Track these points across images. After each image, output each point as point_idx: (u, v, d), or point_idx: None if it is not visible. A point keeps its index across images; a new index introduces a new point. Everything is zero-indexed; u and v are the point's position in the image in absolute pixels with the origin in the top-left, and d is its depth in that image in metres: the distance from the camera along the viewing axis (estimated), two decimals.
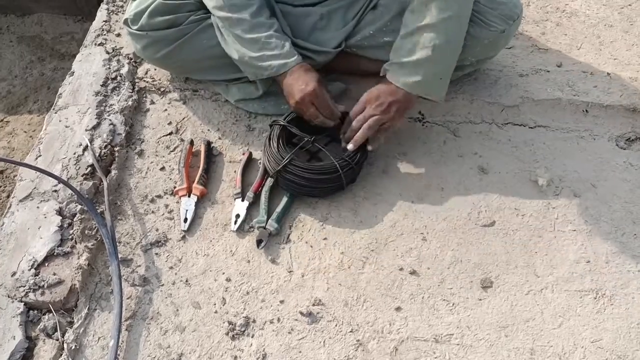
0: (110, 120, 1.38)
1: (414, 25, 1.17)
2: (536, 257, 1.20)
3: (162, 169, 1.33)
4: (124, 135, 1.36)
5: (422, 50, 1.17)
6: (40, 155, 1.33)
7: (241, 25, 1.22)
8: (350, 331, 1.09)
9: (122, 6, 1.68)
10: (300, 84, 1.21)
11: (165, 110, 1.44)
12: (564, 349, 1.07)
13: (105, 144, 1.33)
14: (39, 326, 1.08)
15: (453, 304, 1.13)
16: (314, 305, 1.12)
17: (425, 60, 1.18)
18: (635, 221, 1.25)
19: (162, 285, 1.15)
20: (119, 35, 1.60)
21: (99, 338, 1.07)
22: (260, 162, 1.32)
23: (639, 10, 1.72)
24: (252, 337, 1.08)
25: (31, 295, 1.10)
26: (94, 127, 1.37)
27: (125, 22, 1.36)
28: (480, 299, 1.14)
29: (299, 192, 1.25)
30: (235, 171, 1.32)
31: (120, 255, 1.17)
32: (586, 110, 1.44)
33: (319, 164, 1.25)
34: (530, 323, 1.11)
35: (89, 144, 1.32)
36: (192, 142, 1.35)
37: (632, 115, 1.43)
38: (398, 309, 1.12)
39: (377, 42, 1.30)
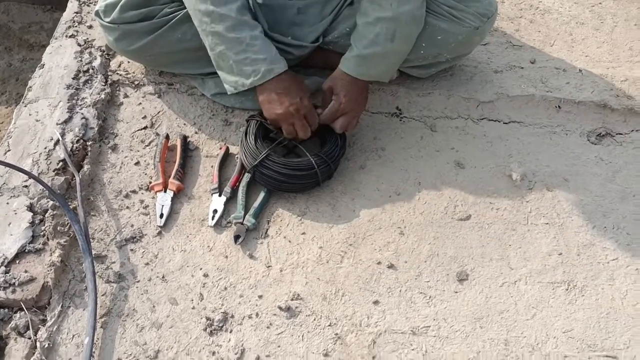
0: (82, 114, 1.35)
1: (374, 15, 1.17)
2: (510, 250, 1.22)
3: (137, 163, 1.31)
4: (96, 129, 1.33)
5: (384, 42, 1.19)
6: (9, 150, 1.29)
7: (225, 21, 1.14)
8: (329, 325, 1.10)
9: None
10: (292, 98, 1.18)
11: (140, 104, 1.42)
12: (536, 339, 1.10)
13: (77, 138, 1.30)
14: (10, 325, 1.05)
15: (430, 297, 1.15)
16: (292, 299, 1.12)
17: (388, 51, 1.21)
18: (605, 214, 1.29)
19: (138, 281, 1.13)
20: (90, 27, 1.56)
21: (73, 336, 1.05)
22: (237, 157, 1.31)
23: (608, 8, 1.76)
24: (230, 332, 1.08)
25: (1, 293, 1.07)
26: (66, 121, 1.33)
27: (97, 14, 1.32)
28: (456, 292, 1.16)
29: (275, 187, 1.25)
30: (212, 166, 1.31)
31: (94, 252, 1.14)
32: (559, 106, 1.47)
33: (295, 160, 1.25)
34: (504, 314, 1.13)
35: (60, 138, 1.29)
36: (167, 137, 1.33)
37: (603, 111, 1.47)
38: (376, 302, 1.13)
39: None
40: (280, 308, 1.11)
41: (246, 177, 1.27)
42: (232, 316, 1.09)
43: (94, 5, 1.61)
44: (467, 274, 1.18)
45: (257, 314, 1.10)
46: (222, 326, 1.08)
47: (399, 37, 1.20)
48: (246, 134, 1.26)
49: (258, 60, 1.15)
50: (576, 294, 1.17)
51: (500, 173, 1.34)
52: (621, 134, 1.44)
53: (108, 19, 1.29)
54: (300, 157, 1.26)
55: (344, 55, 1.24)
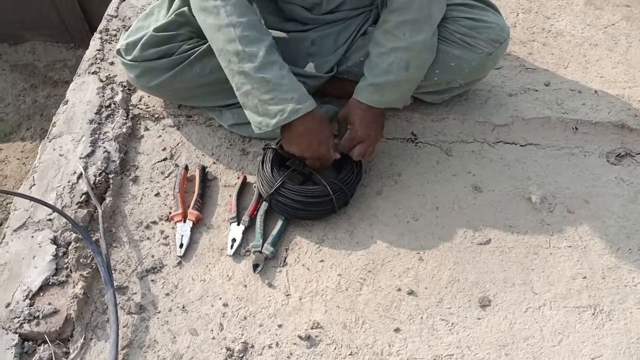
0: (104, 147, 1.39)
1: (389, 45, 1.20)
2: (533, 274, 1.20)
3: (157, 194, 1.33)
4: (118, 162, 1.37)
5: (398, 71, 1.20)
6: (34, 184, 1.32)
7: (252, 61, 1.12)
8: (350, 354, 1.08)
9: (115, 35, 1.70)
10: (313, 141, 1.19)
11: (160, 136, 1.45)
12: None
13: (99, 171, 1.33)
14: (34, 358, 1.06)
15: (452, 324, 1.13)
16: (312, 328, 1.11)
17: (402, 80, 1.23)
18: (629, 236, 1.26)
19: (159, 312, 1.14)
20: (112, 63, 1.61)
21: None
22: (254, 186, 1.32)
23: (622, 29, 1.76)
24: None
25: (26, 326, 1.08)
26: (88, 155, 1.37)
27: (118, 52, 1.37)
28: (479, 318, 1.14)
29: (291, 215, 1.25)
30: (230, 195, 1.32)
31: (115, 283, 1.16)
32: (576, 128, 1.46)
33: (310, 187, 1.25)
34: (529, 341, 1.11)
35: (83, 172, 1.32)
36: (186, 168, 1.35)
37: (621, 132, 1.46)
38: (397, 330, 1.12)
39: None
40: (300, 337, 1.10)
41: (264, 205, 1.28)
42: (252, 346, 1.09)
43: (116, 42, 1.66)
44: (489, 299, 1.16)
45: (277, 344, 1.09)
46: (242, 356, 1.07)
47: (412, 66, 1.22)
48: (262, 162, 1.28)
49: (285, 99, 1.13)
50: (603, 318, 1.14)
51: (519, 196, 1.33)
52: None
53: (129, 57, 1.34)
54: (316, 184, 1.27)
55: (357, 85, 1.26)
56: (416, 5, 1.18)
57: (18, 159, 2.23)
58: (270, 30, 1.28)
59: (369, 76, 1.23)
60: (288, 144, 1.23)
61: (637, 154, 1.42)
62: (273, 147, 1.28)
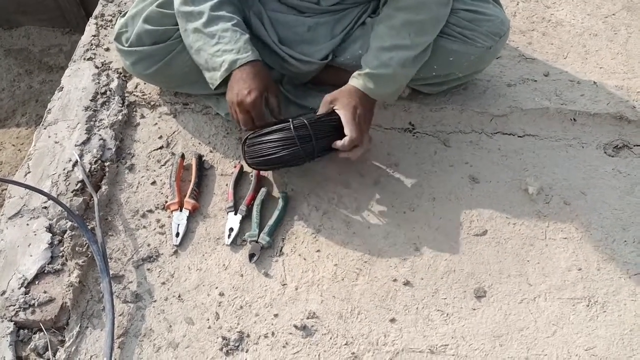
0: (100, 135, 1.38)
1: (392, 42, 1.19)
2: (528, 266, 1.21)
3: (153, 183, 1.32)
4: (114, 150, 1.36)
5: (396, 67, 1.19)
6: (29, 172, 1.31)
7: (201, 17, 1.19)
8: (345, 344, 1.09)
9: (110, 20, 1.68)
10: (243, 88, 1.16)
11: (156, 124, 1.44)
12: (558, 357, 1.08)
13: (95, 159, 1.32)
14: (29, 346, 1.06)
15: (447, 314, 1.13)
16: (308, 318, 1.12)
17: (398, 75, 1.21)
18: (625, 228, 1.26)
19: (155, 301, 1.14)
20: (108, 49, 1.59)
21: (91, 356, 1.06)
22: (251, 175, 1.32)
23: (622, 19, 1.75)
24: (246, 352, 1.07)
25: (21, 314, 1.08)
26: (84, 143, 1.36)
27: (117, 37, 1.35)
28: (474, 309, 1.14)
29: (261, 163, 1.21)
30: (227, 184, 1.32)
31: (111, 272, 1.15)
32: (574, 119, 1.46)
33: (272, 123, 1.20)
34: (524, 332, 1.11)
35: (78, 160, 1.31)
36: (183, 156, 1.35)
37: (619, 123, 1.45)
38: (392, 320, 1.12)
39: None
40: (296, 327, 1.10)
41: (261, 194, 1.28)
42: (248, 335, 1.09)
43: (111, 28, 1.64)
44: (484, 290, 1.17)
45: (273, 333, 1.10)
46: (238, 346, 1.08)
47: (410, 64, 1.21)
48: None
49: (227, 51, 1.17)
50: (597, 310, 1.14)
51: (515, 187, 1.33)
52: (638, 145, 1.42)
53: (126, 43, 1.32)
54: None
55: (353, 74, 1.24)
56: (426, 7, 1.17)
57: (13, 145, 2.22)
58: (268, 11, 1.27)
59: (367, 66, 1.21)
60: (227, 93, 1.20)
61: (634, 146, 1.42)
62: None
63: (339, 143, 1.18)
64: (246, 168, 1.34)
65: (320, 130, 1.19)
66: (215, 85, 1.22)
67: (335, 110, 1.20)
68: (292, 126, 1.16)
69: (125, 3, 1.73)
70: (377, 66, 1.20)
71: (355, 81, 1.22)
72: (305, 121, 1.17)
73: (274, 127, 1.18)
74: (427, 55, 1.24)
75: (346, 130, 1.17)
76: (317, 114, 1.22)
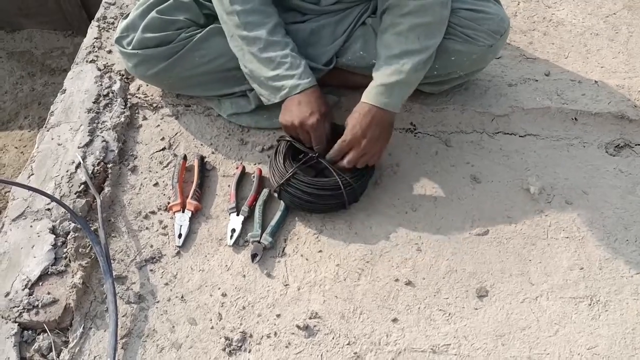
0: (102, 137, 1.38)
1: (401, 48, 1.18)
2: (530, 265, 1.21)
3: (156, 184, 1.33)
4: (116, 151, 1.36)
5: (408, 73, 1.18)
6: (32, 174, 1.32)
7: (257, 44, 1.20)
8: (348, 344, 1.09)
9: (113, 23, 1.69)
10: (305, 110, 1.19)
11: (158, 125, 1.44)
12: (560, 356, 1.08)
13: (98, 161, 1.33)
14: (33, 346, 1.07)
15: (449, 314, 1.14)
16: (310, 318, 1.12)
17: (411, 81, 1.21)
18: (627, 227, 1.26)
19: (158, 302, 1.14)
20: (110, 52, 1.60)
21: (94, 357, 1.06)
22: (253, 176, 1.32)
23: (623, 19, 1.75)
24: (249, 352, 1.08)
25: (25, 315, 1.09)
26: (87, 145, 1.36)
27: (117, 40, 1.36)
28: (476, 308, 1.14)
29: (300, 207, 1.24)
30: (229, 185, 1.32)
31: (114, 273, 1.16)
32: (575, 118, 1.46)
33: (322, 180, 1.23)
34: (526, 331, 1.11)
35: (81, 162, 1.32)
36: (185, 157, 1.35)
37: (620, 122, 1.45)
38: (395, 320, 1.12)
39: (366, 63, 1.30)
40: (298, 327, 1.11)
41: (263, 195, 1.28)
42: (251, 336, 1.10)
43: (113, 30, 1.65)
44: (486, 290, 1.17)
45: (275, 333, 1.10)
46: (240, 346, 1.08)
47: (421, 69, 1.20)
48: (275, 153, 1.26)
49: (287, 76, 1.20)
50: (600, 309, 1.14)
51: (517, 187, 1.33)
52: None
53: (129, 46, 1.33)
54: (327, 177, 1.25)
55: (366, 89, 1.21)
56: (431, 10, 1.16)
57: (16, 148, 2.23)
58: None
59: (379, 77, 1.19)
60: (283, 115, 1.22)
61: (636, 145, 1.42)
62: (287, 139, 1.27)
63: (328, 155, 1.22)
64: (249, 170, 1.35)
65: (363, 187, 1.27)
66: (270, 102, 1.25)
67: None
68: (344, 192, 1.21)
69: (127, 5, 1.74)
70: (390, 74, 1.18)
71: (367, 96, 1.20)
72: (354, 184, 1.22)
73: (325, 184, 1.21)
74: (433, 57, 1.24)
75: (335, 146, 1.21)
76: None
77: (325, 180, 1.23)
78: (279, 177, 1.23)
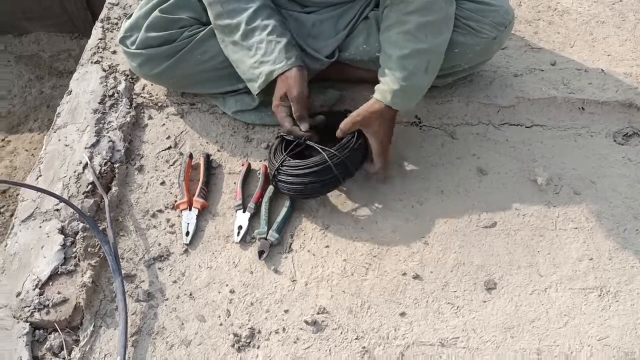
0: (109, 137, 1.39)
1: (411, 47, 1.16)
2: (539, 257, 1.20)
3: (163, 183, 1.34)
4: (123, 151, 1.37)
5: (422, 74, 1.17)
6: (40, 175, 1.33)
7: (238, 30, 1.21)
8: (356, 338, 1.09)
9: (116, 23, 1.69)
10: (276, 93, 1.21)
11: (164, 124, 1.45)
12: (570, 347, 1.07)
13: (105, 161, 1.34)
14: (45, 345, 1.08)
15: (458, 307, 1.13)
16: (318, 313, 1.12)
17: (424, 83, 1.20)
18: (636, 216, 1.25)
19: (167, 299, 1.15)
20: (114, 52, 1.61)
21: (105, 355, 1.07)
22: (259, 173, 1.33)
23: (630, 5, 1.73)
24: (257, 348, 1.08)
25: (36, 314, 1.10)
26: (93, 145, 1.37)
27: (121, 40, 1.37)
28: (485, 301, 1.14)
29: (298, 194, 1.23)
30: (235, 183, 1.33)
31: (123, 271, 1.17)
32: (582, 108, 1.45)
33: (309, 160, 1.21)
34: (535, 323, 1.11)
35: (88, 162, 1.33)
36: (191, 156, 1.36)
37: (628, 111, 1.44)
38: (403, 314, 1.12)
39: (369, 57, 1.30)
40: (306, 322, 1.11)
41: (269, 192, 1.28)
42: (259, 332, 1.10)
43: (117, 31, 1.66)
44: (495, 282, 1.16)
45: (283, 329, 1.11)
46: (249, 342, 1.09)
47: (432, 68, 1.19)
48: (270, 151, 1.28)
49: (263, 62, 1.20)
50: (610, 299, 1.13)
51: (524, 178, 1.32)
52: None
53: (132, 45, 1.34)
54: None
55: (380, 88, 1.19)
56: (436, 7, 1.15)
57: (27, 150, 2.25)
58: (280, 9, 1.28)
59: (395, 81, 1.16)
60: (273, 99, 1.23)
61: None
62: (281, 134, 1.27)
63: (369, 168, 1.25)
64: (254, 167, 1.35)
65: (353, 159, 1.24)
66: (256, 94, 1.26)
67: (366, 135, 1.21)
68: (331, 164, 1.19)
69: (130, 6, 1.74)
70: (406, 77, 1.16)
71: (382, 96, 1.18)
72: (340, 155, 1.20)
73: (310, 162, 1.20)
74: (443, 55, 1.22)
75: (375, 160, 1.23)
76: (345, 138, 1.23)
77: (312, 159, 1.21)
78: (271, 169, 1.24)
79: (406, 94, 1.18)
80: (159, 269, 1.20)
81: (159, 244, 1.23)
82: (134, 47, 1.34)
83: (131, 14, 1.40)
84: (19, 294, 1.13)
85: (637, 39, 1.63)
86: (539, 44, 1.61)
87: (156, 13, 1.31)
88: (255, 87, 1.24)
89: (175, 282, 1.18)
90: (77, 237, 1.21)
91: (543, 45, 1.60)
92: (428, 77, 1.21)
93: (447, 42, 1.21)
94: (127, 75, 1.54)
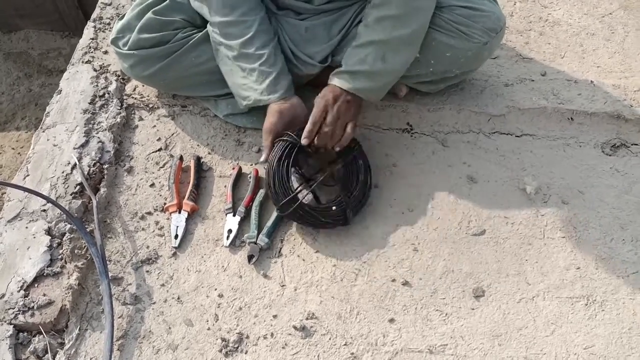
0: (98, 137, 1.38)
1: (367, 39, 1.21)
2: (527, 265, 1.21)
3: (152, 185, 1.33)
4: (112, 152, 1.36)
5: (374, 62, 1.20)
6: (28, 175, 1.32)
7: (232, 51, 1.26)
8: (344, 344, 1.09)
9: (109, 23, 1.68)
10: (266, 118, 1.26)
11: (154, 126, 1.44)
12: (557, 356, 1.08)
13: (94, 161, 1.33)
14: (29, 348, 1.07)
15: (446, 314, 1.13)
16: (307, 319, 1.12)
17: (377, 71, 1.22)
18: (623, 227, 1.27)
19: (154, 303, 1.14)
20: (106, 52, 1.59)
21: (90, 359, 1.06)
22: (249, 177, 1.32)
23: (619, 19, 1.75)
24: (245, 353, 1.08)
25: (21, 317, 1.09)
26: (83, 145, 1.36)
27: (113, 41, 1.36)
28: (473, 308, 1.14)
29: (302, 224, 1.24)
30: (225, 186, 1.32)
31: (110, 274, 1.16)
32: (571, 118, 1.46)
33: (324, 205, 1.23)
34: (523, 331, 1.11)
35: (77, 162, 1.31)
36: (181, 158, 1.35)
37: (617, 122, 1.46)
38: (391, 320, 1.12)
39: None
40: (295, 328, 1.10)
41: (259, 196, 1.28)
42: (247, 337, 1.10)
43: (109, 31, 1.65)
44: (483, 290, 1.17)
45: (272, 334, 1.10)
46: (237, 347, 1.08)
47: (390, 59, 1.22)
48: (280, 160, 1.22)
49: (251, 88, 1.26)
50: (596, 308, 1.14)
51: (513, 187, 1.33)
52: (636, 144, 1.42)
53: (123, 42, 1.33)
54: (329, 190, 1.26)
55: (332, 73, 1.25)
56: (397, 2, 1.17)
57: (13, 149, 2.22)
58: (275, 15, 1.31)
59: (344, 65, 1.23)
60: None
61: (632, 145, 1.42)
62: (285, 138, 1.24)
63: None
64: (245, 170, 1.35)
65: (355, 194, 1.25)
66: (243, 106, 1.32)
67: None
68: (349, 215, 1.22)
69: (123, 6, 1.73)
70: (354, 63, 1.21)
71: (332, 79, 1.24)
72: (348, 207, 1.22)
73: (328, 210, 1.21)
74: (414, 51, 1.25)
75: (308, 123, 1.22)
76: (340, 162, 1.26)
77: (328, 205, 1.22)
78: (283, 195, 1.20)
79: (353, 77, 1.21)
80: (147, 272, 1.18)
81: (147, 247, 1.22)
82: (126, 48, 1.33)
83: (123, 15, 1.39)
84: (2, 296, 1.11)
85: (625, 51, 1.65)
86: (529, 55, 1.63)
87: (150, 15, 1.31)
88: (242, 103, 1.30)
89: (163, 285, 1.17)
90: (64, 238, 1.19)
91: (534, 56, 1.62)
92: (387, 66, 1.22)
93: (411, 37, 1.22)
94: (119, 76, 1.53)
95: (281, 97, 1.25)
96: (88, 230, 1.20)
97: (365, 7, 1.24)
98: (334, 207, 1.21)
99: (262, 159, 1.26)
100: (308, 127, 1.21)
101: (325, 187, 1.28)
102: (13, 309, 1.09)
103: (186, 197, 1.27)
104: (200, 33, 1.32)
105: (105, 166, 1.33)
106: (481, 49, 1.29)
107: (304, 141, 1.22)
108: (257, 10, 1.26)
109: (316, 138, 1.23)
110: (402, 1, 1.17)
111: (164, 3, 1.32)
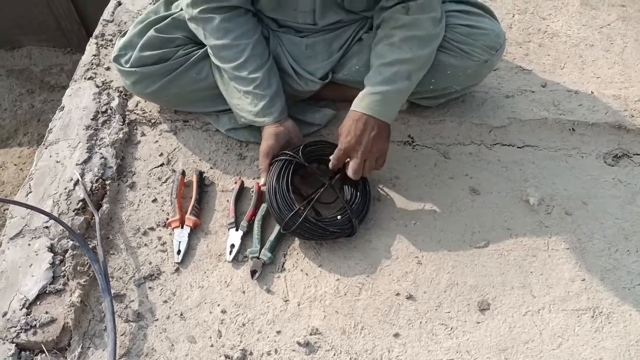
0: (101, 153, 1.38)
1: (393, 57, 1.19)
2: (532, 277, 1.20)
3: (154, 200, 1.33)
4: (115, 168, 1.36)
5: (401, 81, 1.19)
6: (30, 192, 1.32)
7: (226, 73, 1.28)
8: None
9: (111, 40, 1.69)
10: (263, 141, 1.28)
11: (156, 141, 1.44)
12: None
13: (96, 177, 1.33)
14: None
15: (451, 328, 1.12)
16: (311, 334, 1.11)
17: (403, 89, 1.21)
18: (627, 237, 1.26)
19: (157, 320, 1.13)
20: (108, 68, 1.60)
21: None
22: (252, 191, 1.32)
23: (617, 29, 1.76)
24: None
25: (23, 335, 1.08)
26: (85, 161, 1.36)
27: (115, 59, 1.37)
28: (478, 322, 1.13)
29: (308, 238, 1.23)
30: (227, 200, 1.32)
31: (113, 291, 1.15)
32: (573, 129, 1.46)
33: (329, 218, 1.22)
34: (529, 344, 1.10)
35: (79, 179, 1.31)
36: (183, 173, 1.35)
37: (618, 132, 1.46)
38: (396, 335, 1.11)
39: (362, 78, 1.31)
40: (299, 343, 1.09)
41: (261, 210, 1.28)
42: (251, 353, 1.09)
43: (111, 47, 1.66)
44: (488, 303, 1.16)
45: (275, 350, 1.09)
46: None
47: (414, 77, 1.22)
48: (279, 176, 1.22)
49: (244, 110, 1.29)
50: (603, 321, 1.13)
51: (516, 198, 1.33)
52: (638, 154, 1.42)
53: (127, 64, 1.34)
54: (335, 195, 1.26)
55: (357, 96, 1.21)
56: (422, 24, 1.18)
57: (15, 165, 2.23)
58: (274, 31, 1.32)
59: (371, 85, 1.19)
60: None
61: (634, 155, 1.42)
62: (291, 156, 1.24)
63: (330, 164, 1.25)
64: (247, 184, 1.35)
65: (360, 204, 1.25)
66: (240, 121, 1.35)
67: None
68: (355, 225, 1.22)
69: (125, 22, 1.75)
70: (382, 82, 1.18)
71: (360, 105, 1.19)
72: (352, 216, 1.21)
73: (327, 220, 1.21)
74: (428, 66, 1.25)
75: (333, 157, 1.23)
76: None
77: (333, 218, 1.21)
78: (287, 210, 1.19)
79: (383, 99, 1.18)
80: (150, 288, 1.18)
81: (150, 263, 1.22)
82: (128, 65, 1.34)
83: (125, 32, 1.40)
84: (5, 314, 1.11)
85: (625, 62, 1.66)
86: (529, 66, 1.63)
87: (152, 32, 1.32)
88: (240, 121, 1.33)
89: (165, 302, 1.16)
90: (67, 255, 1.19)
91: (533, 67, 1.63)
92: (411, 84, 1.22)
93: (430, 57, 1.23)
94: (121, 92, 1.54)
95: (276, 120, 1.26)
96: (90, 246, 1.20)
97: (382, 28, 1.23)
98: (339, 217, 1.21)
99: (262, 182, 1.26)
100: (337, 156, 1.22)
101: (323, 204, 1.28)
102: (15, 327, 1.09)
103: (188, 212, 1.27)
104: (201, 50, 1.33)
105: (108, 182, 1.33)
106: (481, 67, 1.29)
107: (331, 166, 1.24)
108: (250, 34, 1.27)
109: (350, 168, 1.21)
110: (431, 24, 1.19)
111: (165, 21, 1.33)
